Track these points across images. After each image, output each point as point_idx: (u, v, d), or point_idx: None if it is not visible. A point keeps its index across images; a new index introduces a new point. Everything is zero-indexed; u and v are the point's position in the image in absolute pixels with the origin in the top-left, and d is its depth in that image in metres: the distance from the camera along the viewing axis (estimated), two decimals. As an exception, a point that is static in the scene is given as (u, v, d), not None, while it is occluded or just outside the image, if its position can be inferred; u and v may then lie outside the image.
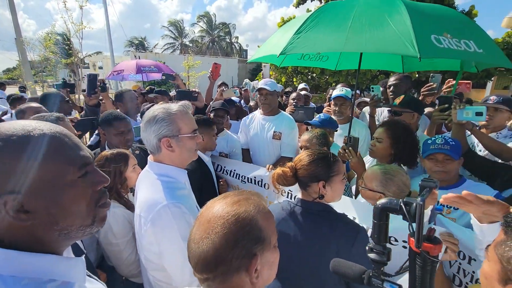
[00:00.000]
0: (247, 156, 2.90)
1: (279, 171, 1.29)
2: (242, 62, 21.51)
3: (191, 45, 37.85)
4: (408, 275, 0.65)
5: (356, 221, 1.51)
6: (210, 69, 2.90)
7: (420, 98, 2.73)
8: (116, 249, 1.67)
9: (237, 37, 40.84)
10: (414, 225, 0.62)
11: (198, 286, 1.24)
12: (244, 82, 3.98)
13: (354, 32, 1.56)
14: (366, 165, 1.98)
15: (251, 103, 4.09)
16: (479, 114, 1.71)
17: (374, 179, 1.50)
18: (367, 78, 9.65)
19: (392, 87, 2.68)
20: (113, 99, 2.99)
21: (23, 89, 8.33)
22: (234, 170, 2.45)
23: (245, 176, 2.36)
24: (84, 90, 2.43)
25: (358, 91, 2.86)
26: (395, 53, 1.41)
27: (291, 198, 1.99)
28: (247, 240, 0.71)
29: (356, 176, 2.05)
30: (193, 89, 2.68)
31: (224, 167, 2.54)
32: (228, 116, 2.98)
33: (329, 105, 3.10)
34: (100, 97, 2.49)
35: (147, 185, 1.33)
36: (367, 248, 0.70)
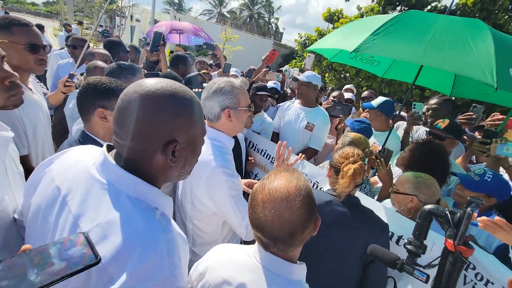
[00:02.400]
0: (275, 140, 3.04)
1: (358, 165, 1.33)
2: (277, 45, 21.14)
3: (229, 16, 37.19)
4: (437, 270, 0.78)
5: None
6: (267, 54, 3.02)
7: None
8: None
9: (277, 18, 39.75)
10: (452, 230, 0.74)
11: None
12: (284, 69, 4.06)
13: (432, 47, 1.58)
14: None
15: (287, 90, 4.17)
16: None
17: (406, 183, 1.62)
18: (402, 89, 9.43)
19: (431, 111, 2.70)
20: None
21: (68, 26, 8.59)
22: (266, 150, 2.59)
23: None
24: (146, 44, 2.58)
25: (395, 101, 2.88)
26: (472, 77, 1.43)
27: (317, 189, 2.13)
28: (315, 212, 0.85)
29: (381, 185, 2.16)
30: (252, 67, 2.81)
31: (256, 145, 2.68)
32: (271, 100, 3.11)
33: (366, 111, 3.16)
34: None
35: None
36: (406, 240, 0.84)
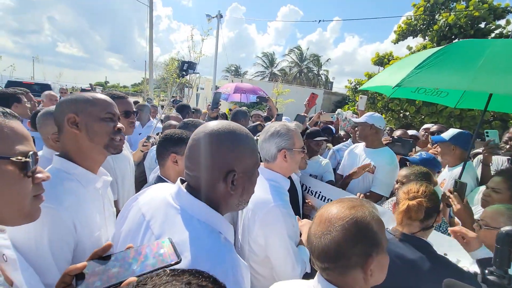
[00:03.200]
0: (339, 181, 2.94)
1: (416, 202, 1.26)
2: (327, 93, 21.61)
3: (279, 74, 40.25)
4: None
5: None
6: (308, 98, 3.16)
7: None
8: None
9: (326, 71, 41.34)
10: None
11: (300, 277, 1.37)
12: (337, 112, 4.13)
13: (484, 71, 1.52)
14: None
15: (341, 132, 4.16)
16: None
17: (500, 216, 1.37)
18: (476, 123, 8.36)
19: None
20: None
21: (149, 100, 10.56)
22: (320, 192, 2.55)
23: (331, 200, 2.42)
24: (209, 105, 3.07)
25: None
26: None
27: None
28: (366, 241, 0.83)
29: (460, 224, 1.87)
30: (304, 114, 2.98)
31: (309, 187, 2.66)
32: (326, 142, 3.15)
33: (435, 147, 2.91)
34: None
35: (257, 186, 1.60)
36: (486, 271, 0.73)
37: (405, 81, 1.67)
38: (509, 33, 10.14)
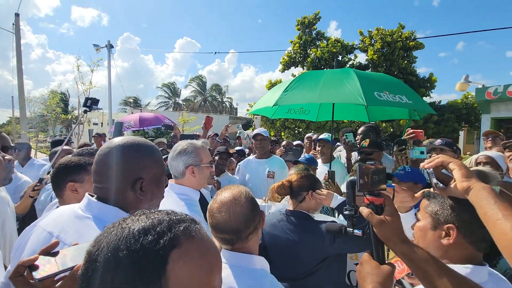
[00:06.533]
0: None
1: (279, 183, 1.66)
2: (233, 118, 22.93)
3: (184, 103, 40.06)
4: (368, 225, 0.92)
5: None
6: (204, 121, 3.44)
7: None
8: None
9: (230, 98, 43.78)
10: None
11: None
12: (238, 131, 4.54)
13: (323, 89, 2.29)
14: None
15: (246, 150, 4.59)
16: (422, 153, 2.23)
17: None
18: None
19: (359, 137, 3.30)
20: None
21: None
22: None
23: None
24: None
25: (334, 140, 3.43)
26: (350, 102, 2.14)
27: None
28: (257, 205, 1.08)
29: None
30: (195, 133, 3.18)
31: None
32: (232, 159, 3.43)
33: (314, 149, 3.63)
34: None
35: (169, 201, 1.67)
36: (344, 208, 1.06)
37: (278, 101, 2.28)
38: (357, 64, 13.61)
